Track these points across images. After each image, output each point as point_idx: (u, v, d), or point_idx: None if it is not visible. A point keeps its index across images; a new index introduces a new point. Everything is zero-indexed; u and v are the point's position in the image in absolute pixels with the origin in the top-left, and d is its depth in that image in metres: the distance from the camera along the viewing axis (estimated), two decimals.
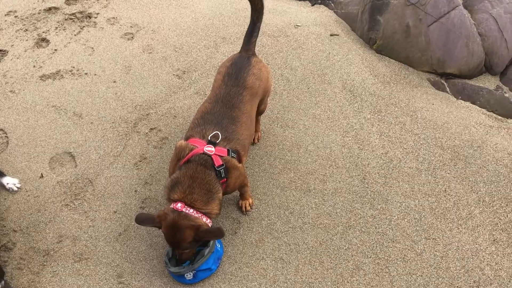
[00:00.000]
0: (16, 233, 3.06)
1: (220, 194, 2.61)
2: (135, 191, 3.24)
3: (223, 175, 2.58)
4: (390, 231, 2.98)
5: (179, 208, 2.49)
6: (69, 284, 2.86)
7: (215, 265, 2.83)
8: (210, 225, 2.56)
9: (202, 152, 2.58)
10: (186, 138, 2.73)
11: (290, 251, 2.93)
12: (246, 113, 2.79)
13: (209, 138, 2.63)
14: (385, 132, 3.47)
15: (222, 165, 2.57)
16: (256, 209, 3.12)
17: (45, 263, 2.96)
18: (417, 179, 3.21)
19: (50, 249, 3.01)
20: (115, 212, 3.15)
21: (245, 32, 3.03)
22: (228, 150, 2.63)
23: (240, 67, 2.88)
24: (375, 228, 3.00)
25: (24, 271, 2.90)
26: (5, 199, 3.20)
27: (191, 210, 2.50)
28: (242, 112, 2.76)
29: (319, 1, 4.54)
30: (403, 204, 3.10)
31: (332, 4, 4.46)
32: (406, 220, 3.02)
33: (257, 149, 3.41)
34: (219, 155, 2.59)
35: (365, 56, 4.00)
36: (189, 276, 2.75)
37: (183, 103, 3.71)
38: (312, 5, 4.53)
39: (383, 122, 3.52)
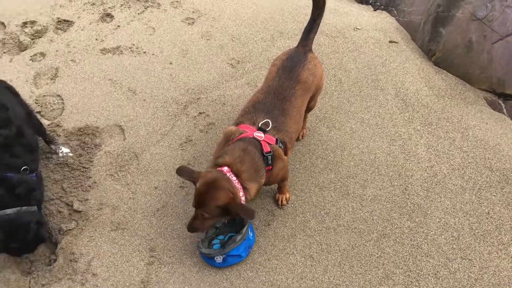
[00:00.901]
0: (61, 197, 3.19)
1: (263, 180, 2.60)
2: None
3: (269, 162, 2.58)
4: (426, 245, 2.92)
5: (224, 171, 2.48)
6: (104, 251, 2.97)
7: (245, 252, 2.87)
8: None
9: (252, 136, 2.61)
10: (236, 124, 2.76)
11: (321, 251, 2.92)
12: (296, 107, 2.79)
13: (259, 125, 2.65)
14: (433, 145, 3.39)
15: (270, 152, 2.58)
16: (292, 205, 3.13)
17: (83, 227, 3.08)
18: (460, 197, 3.13)
19: (90, 215, 3.12)
20: (155, 188, 3.24)
21: (303, 29, 3.03)
22: (276, 139, 2.65)
23: (296, 61, 2.88)
24: (410, 240, 2.95)
25: (64, 233, 3.03)
26: (56, 163, 3.34)
27: (235, 179, 2.48)
28: (293, 106, 2.77)
29: (382, 7, 4.48)
30: (442, 220, 3.03)
31: (395, 11, 4.39)
32: (443, 236, 2.95)
33: (300, 145, 3.41)
34: (267, 143, 2.60)
35: (422, 67, 3.92)
36: (219, 259, 2.80)
37: (233, 92, 3.76)
38: (374, 10, 4.48)
39: (433, 136, 3.45)
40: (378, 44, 4.08)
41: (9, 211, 2.67)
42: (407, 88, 3.73)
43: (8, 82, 3.15)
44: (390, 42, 4.10)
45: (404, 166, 3.29)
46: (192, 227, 2.57)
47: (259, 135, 2.59)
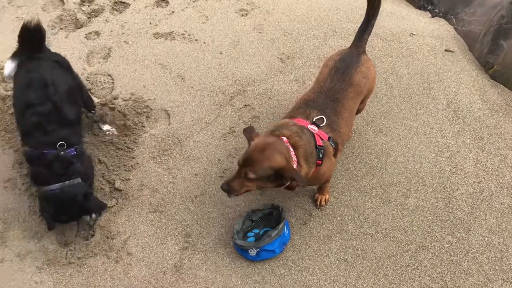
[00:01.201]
0: (104, 174, 3.25)
1: (311, 170, 2.50)
2: (218, 160, 3.33)
3: (321, 155, 2.50)
4: (466, 262, 2.82)
5: (284, 140, 2.42)
6: (140, 231, 3.02)
7: (279, 249, 2.85)
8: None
9: (306, 127, 2.55)
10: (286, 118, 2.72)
11: (356, 256, 2.87)
12: (348, 109, 2.74)
13: (313, 120, 2.59)
14: (483, 161, 3.27)
15: (322, 146, 2.51)
16: (331, 206, 3.09)
17: (122, 206, 3.13)
18: (507, 217, 3.01)
19: (130, 195, 3.17)
20: (196, 175, 3.26)
21: (357, 29, 2.97)
22: (329, 137, 2.59)
23: (349, 63, 2.80)
24: (450, 255, 2.85)
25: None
26: (101, 141, 3.41)
27: (292, 150, 2.41)
28: (345, 108, 2.71)
29: (441, 14, 4.34)
30: (486, 239, 2.92)
31: (454, 20, 4.25)
32: (485, 255, 2.84)
33: (344, 148, 3.35)
34: (320, 137, 2.54)
35: (478, 79, 3.78)
36: (252, 252, 2.79)
37: (281, 87, 3.74)
38: (432, 17, 4.35)
39: (483, 151, 3.33)
40: (433, 51, 3.96)
41: (52, 186, 2.74)
42: (459, 100, 3.61)
43: None
44: (446, 50, 3.97)
45: (449, 179, 3.19)
46: (228, 185, 2.42)
47: (313, 128, 2.54)
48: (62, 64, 3.11)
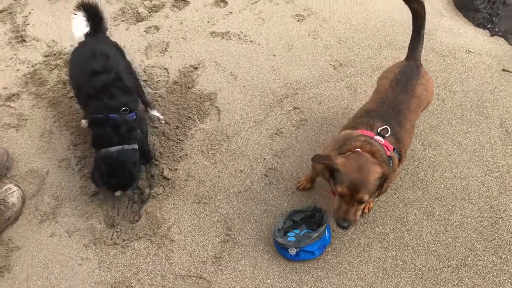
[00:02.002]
0: (153, 162, 3.37)
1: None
2: (264, 159, 3.38)
3: (391, 165, 2.45)
4: (509, 285, 2.76)
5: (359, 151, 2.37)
6: (184, 220, 3.10)
7: (319, 251, 2.87)
8: None
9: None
10: (347, 129, 2.70)
11: (395, 266, 2.86)
12: (410, 121, 2.72)
13: (378, 131, 2.56)
14: None
15: (390, 157, 2.47)
16: (373, 215, 3.09)
17: (169, 195, 3.22)
18: None
19: (176, 184, 3.27)
20: (241, 171, 3.32)
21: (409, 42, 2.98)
22: (394, 148, 2.55)
23: (410, 75, 2.81)
24: (493, 276, 2.80)
25: (151, 196, 3.20)
26: (153, 131, 3.53)
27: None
28: (407, 119, 2.69)
29: (500, 33, 4.27)
30: None
31: None
32: None
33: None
34: (387, 147, 2.51)
35: None
36: (292, 251, 2.82)
37: (331, 93, 3.76)
38: (491, 35, 4.28)
39: None
40: (490, 70, 3.90)
41: (112, 149, 2.88)
42: None
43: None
44: (503, 70, 3.90)
45: (497, 199, 3.13)
46: (348, 220, 2.33)
47: (379, 139, 2.51)
48: (118, 47, 3.36)
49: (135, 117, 2.99)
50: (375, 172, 2.24)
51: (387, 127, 2.57)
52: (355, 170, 2.25)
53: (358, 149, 2.39)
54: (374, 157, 2.35)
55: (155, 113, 3.56)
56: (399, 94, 2.72)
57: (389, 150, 2.49)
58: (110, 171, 2.87)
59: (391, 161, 2.45)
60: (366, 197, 2.25)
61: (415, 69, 2.83)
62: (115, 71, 2.97)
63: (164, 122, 3.56)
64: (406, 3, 2.85)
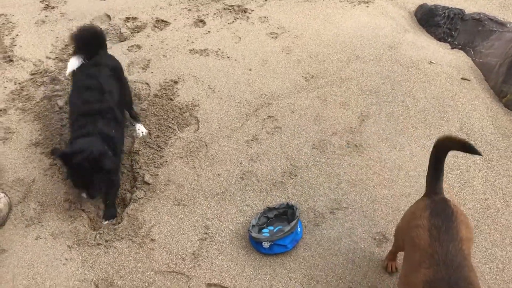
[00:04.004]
0: (135, 169, 3.55)
1: None
2: (240, 163, 3.58)
3: None
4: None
5: None
6: (164, 221, 3.26)
7: (291, 244, 3.05)
8: None
9: None
10: None
11: (363, 257, 3.04)
12: (473, 271, 2.25)
13: None
14: (491, 180, 3.43)
15: None
16: (342, 211, 3.28)
17: (150, 198, 3.39)
18: (511, 233, 3.15)
19: (157, 188, 3.44)
20: (218, 175, 3.51)
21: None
22: None
23: (445, 216, 2.38)
24: None
25: (133, 199, 3.37)
26: (136, 140, 3.73)
27: None
28: (470, 270, 2.22)
29: (459, 46, 4.59)
30: (489, 251, 3.05)
31: (472, 52, 4.48)
32: (487, 266, 2.98)
33: (359, 160, 3.57)
34: None
35: (492, 106, 3.97)
36: (266, 245, 2.99)
37: (303, 103, 4.00)
38: (452, 48, 4.59)
39: (492, 171, 3.49)
40: (450, 79, 4.19)
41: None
42: (472, 124, 3.80)
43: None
44: (463, 79, 4.19)
45: (458, 194, 3.35)
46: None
47: None
48: (115, 68, 3.55)
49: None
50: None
51: None
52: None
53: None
54: None
55: (139, 126, 3.76)
56: (448, 244, 2.26)
57: None
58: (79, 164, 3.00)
59: None
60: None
61: (446, 207, 2.43)
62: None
63: (146, 134, 3.76)
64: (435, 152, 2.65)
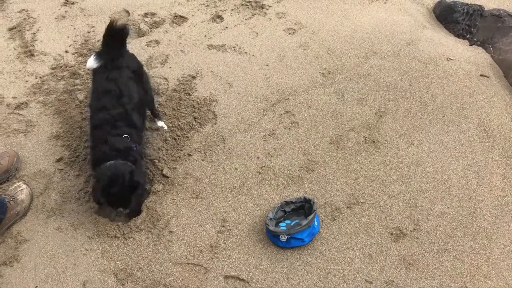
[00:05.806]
0: (155, 162, 3.59)
1: None
2: (258, 157, 3.61)
3: None
4: (486, 267, 2.95)
5: None
6: (182, 213, 3.30)
7: (308, 238, 3.06)
8: None
9: None
10: None
11: (380, 252, 3.05)
12: None
13: None
14: (510, 177, 3.41)
15: None
16: (359, 206, 3.29)
17: (168, 191, 3.44)
18: None
19: (175, 182, 3.48)
20: (236, 169, 3.54)
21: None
22: None
23: None
24: (471, 259, 2.99)
25: (152, 192, 3.42)
26: (157, 134, 3.77)
27: None
28: None
29: (478, 43, 4.56)
30: (507, 247, 3.04)
31: (491, 48, 4.45)
32: (505, 262, 2.97)
33: (376, 155, 3.57)
34: None
35: (511, 103, 3.94)
36: (283, 238, 3.02)
37: (320, 98, 4.01)
38: (470, 45, 4.56)
39: (511, 168, 3.47)
40: (469, 76, 4.16)
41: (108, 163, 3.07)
42: (491, 120, 3.78)
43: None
44: (481, 75, 4.16)
45: (476, 191, 3.34)
46: None
47: None
48: (138, 70, 3.52)
49: (134, 148, 3.20)
50: None
51: None
52: None
53: None
54: None
55: (161, 123, 3.80)
56: None
57: None
58: (110, 183, 2.99)
59: None
60: None
61: None
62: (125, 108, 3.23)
63: (166, 129, 3.79)
64: None
